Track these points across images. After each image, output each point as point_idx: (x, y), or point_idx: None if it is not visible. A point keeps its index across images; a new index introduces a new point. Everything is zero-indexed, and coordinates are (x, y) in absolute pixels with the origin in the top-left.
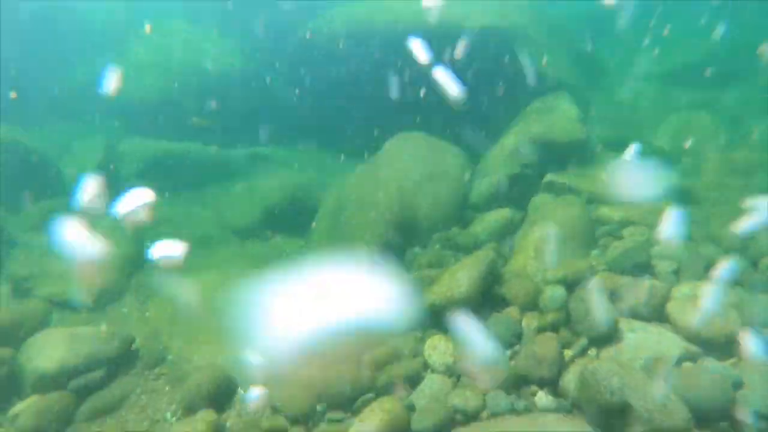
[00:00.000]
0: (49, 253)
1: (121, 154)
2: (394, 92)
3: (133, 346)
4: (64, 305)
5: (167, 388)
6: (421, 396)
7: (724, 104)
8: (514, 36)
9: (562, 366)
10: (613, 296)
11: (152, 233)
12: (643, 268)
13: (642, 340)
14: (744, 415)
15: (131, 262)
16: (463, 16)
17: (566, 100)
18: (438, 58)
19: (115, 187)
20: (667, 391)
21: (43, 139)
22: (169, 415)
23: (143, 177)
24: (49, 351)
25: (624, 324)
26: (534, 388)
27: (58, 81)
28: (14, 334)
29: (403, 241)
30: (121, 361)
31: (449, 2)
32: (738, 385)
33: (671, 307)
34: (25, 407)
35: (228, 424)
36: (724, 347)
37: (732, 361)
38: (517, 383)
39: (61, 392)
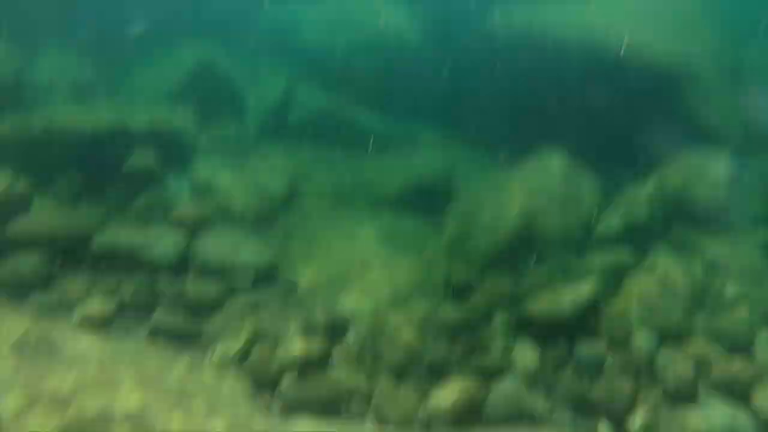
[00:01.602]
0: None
1: (293, 101)
2: (558, 104)
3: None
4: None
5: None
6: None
7: None
8: (682, 76)
9: (631, 406)
10: (703, 363)
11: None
12: (743, 345)
13: (716, 411)
14: None
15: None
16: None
17: (720, 159)
18: (601, 82)
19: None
20: None
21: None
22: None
23: (307, 127)
24: None
25: (703, 390)
26: (600, 417)
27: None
28: None
29: (521, 253)
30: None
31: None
32: None
33: (759, 390)
34: None
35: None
36: None
37: None
38: (587, 408)
39: None
